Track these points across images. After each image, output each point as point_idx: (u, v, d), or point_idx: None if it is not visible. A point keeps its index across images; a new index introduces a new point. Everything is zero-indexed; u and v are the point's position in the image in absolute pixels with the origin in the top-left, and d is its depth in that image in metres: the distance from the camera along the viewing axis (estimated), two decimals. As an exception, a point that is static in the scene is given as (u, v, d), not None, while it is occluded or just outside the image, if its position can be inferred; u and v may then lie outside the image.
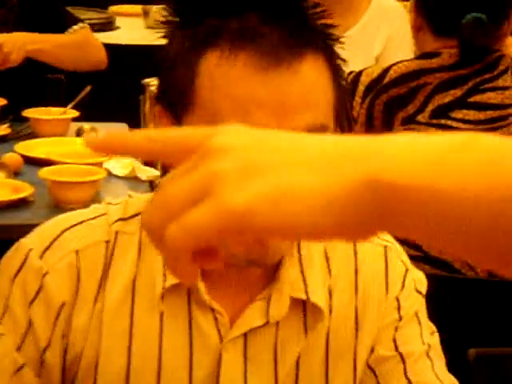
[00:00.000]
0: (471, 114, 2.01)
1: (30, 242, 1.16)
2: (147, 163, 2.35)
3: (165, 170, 2.31)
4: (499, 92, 1.99)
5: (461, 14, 1.93)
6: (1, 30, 2.55)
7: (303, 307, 1.17)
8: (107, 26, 3.62)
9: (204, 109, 1.08)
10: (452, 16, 1.95)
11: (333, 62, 1.10)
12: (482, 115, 2.00)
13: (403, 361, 1.19)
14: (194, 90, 1.08)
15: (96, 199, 1.93)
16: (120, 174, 2.16)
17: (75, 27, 2.65)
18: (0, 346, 1.10)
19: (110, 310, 1.13)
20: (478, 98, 1.97)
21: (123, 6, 3.95)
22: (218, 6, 1.09)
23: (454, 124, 2.00)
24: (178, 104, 1.10)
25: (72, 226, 1.16)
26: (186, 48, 1.10)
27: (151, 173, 2.28)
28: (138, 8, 3.79)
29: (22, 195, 1.96)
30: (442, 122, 2.01)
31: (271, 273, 1.15)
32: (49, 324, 1.12)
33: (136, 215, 1.14)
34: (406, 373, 1.18)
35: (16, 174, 2.10)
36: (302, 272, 1.18)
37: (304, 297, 1.16)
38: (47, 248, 1.14)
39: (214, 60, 1.06)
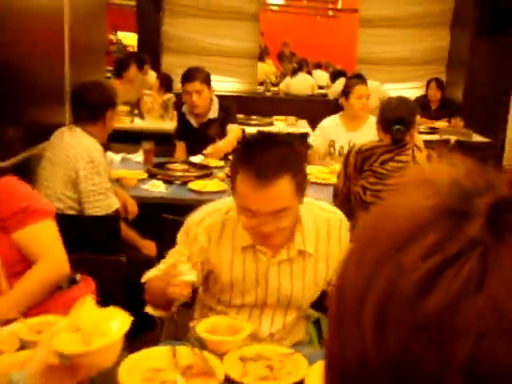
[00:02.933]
0: (394, 164, 3.02)
1: (193, 217, 1.81)
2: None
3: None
4: (406, 156, 3.01)
5: (392, 125, 3.04)
6: (216, 132, 4.06)
7: (301, 252, 1.80)
8: (270, 124, 6.42)
9: (237, 194, 1.69)
10: (389, 126, 3.06)
11: (296, 175, 1.60)
12: (398, 165, 3.00)
13: None
14: (235, 185, 1.69)
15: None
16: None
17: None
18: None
19: (222, 251, 1.77)
20: (398, 158, 3.01)
21: (277, 116, 6.85)
22: (248, 151, 1.66)
23: (388, 167, 2.99)
24: (232, 186, 1.71)
25: (213, 212, 1.84)
26: (234, 166, 1.68)
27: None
28: (283, 117, 6.68)
29: (222, 189, 3.53)
30: (384, 166, 3.00)
31: (290, 236, 1.77)
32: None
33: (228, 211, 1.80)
34: None
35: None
36: (303, 235, 1.77)
37: (303, 248, 1.78)
38: (202, 219, 1.82)
39: (241, 177, 1.62)
